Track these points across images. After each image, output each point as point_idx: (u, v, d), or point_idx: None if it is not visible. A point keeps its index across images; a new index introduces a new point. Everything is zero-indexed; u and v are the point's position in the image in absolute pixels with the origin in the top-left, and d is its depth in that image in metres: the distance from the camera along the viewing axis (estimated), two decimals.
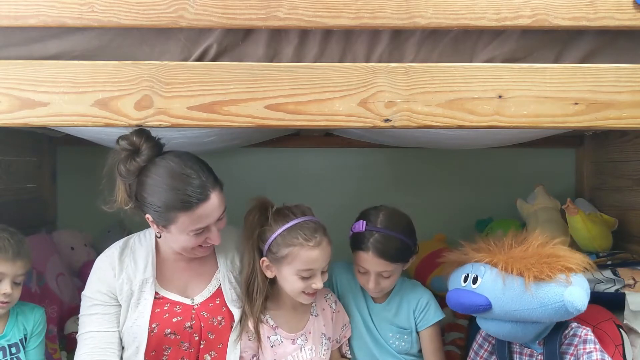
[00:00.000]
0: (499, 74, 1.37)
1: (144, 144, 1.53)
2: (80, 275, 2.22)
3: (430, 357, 1.80)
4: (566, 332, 1.59)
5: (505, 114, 1.37)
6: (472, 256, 1.62)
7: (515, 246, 1.59)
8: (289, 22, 1.34)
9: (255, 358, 1.69)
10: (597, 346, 1.55)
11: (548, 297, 1.47)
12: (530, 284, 1.48)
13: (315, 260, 1.62)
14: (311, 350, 1.70)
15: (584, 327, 1.59)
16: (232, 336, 1.65)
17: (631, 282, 1.85)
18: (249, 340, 1.67)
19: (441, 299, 1.78)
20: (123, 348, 1.63)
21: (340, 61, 1.40)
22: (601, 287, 1.85)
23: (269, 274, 1.68)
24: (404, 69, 1.36)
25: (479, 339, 1.74)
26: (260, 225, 1.68)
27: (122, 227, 2.29)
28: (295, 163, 2.62)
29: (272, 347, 1.68)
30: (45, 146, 2.48)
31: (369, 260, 1.71)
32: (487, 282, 1.54)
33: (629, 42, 1.40)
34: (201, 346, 1.62)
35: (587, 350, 1.53)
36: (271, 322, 1.70)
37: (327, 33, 1.39)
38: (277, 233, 1.63)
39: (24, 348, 1.66)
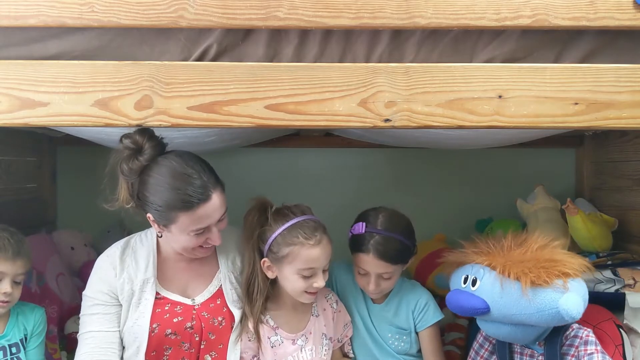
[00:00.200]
0: (499, 74, 1.37)
1: (147, 143, 1.54)
2: (80, 275, 2.22)
3: (430, 358, 1.80)
4: (567, 333, 1.58)
5: (505, 114, 1.36)
6: (471, 258, 1.61)
7: (515, 248, 1.58)
8: (289, 22, 1.34)
9: (255, 358, 1.69)
10: (599, 347, 1.54)
11: (544, 303, 1.47)
12: (527, 289, 1.47)
13: (316, 258, 1.62)
14: (311, 350, 1.70)
15: (585, 328, 1.59)
16: (232, 337, 1.65)
17: (631, 282, 1.86)
18: (249, 340, 1.67)
19: (441, 299, 1.78)
20: (124, 348, 1.63)
21: (340, 61, 1.40)
22: (601, 287, 1.86)
23: (270, 275, 1.68)
24: (404, 69, 1.36)
25: (479, 338, 1.74)
26: (260, 226, 1.68)
27: (122, 227, 2.29)
28: (295, 163, 2.62)
29: (272, 347, 1.68)
30: (45, 146, 2.48)
31: (370, 262, 1.70)
32: (486, 285, 1.54)
33: (629, 42, 1.40)
34: (202, 346, 1.62)
35: (589, 352, 1.53)
36: (271, 323, 1.70)
37: (327, 33, 1.39)
38: (277, 233, 1.63)
39: (24, 348, 1.66)
